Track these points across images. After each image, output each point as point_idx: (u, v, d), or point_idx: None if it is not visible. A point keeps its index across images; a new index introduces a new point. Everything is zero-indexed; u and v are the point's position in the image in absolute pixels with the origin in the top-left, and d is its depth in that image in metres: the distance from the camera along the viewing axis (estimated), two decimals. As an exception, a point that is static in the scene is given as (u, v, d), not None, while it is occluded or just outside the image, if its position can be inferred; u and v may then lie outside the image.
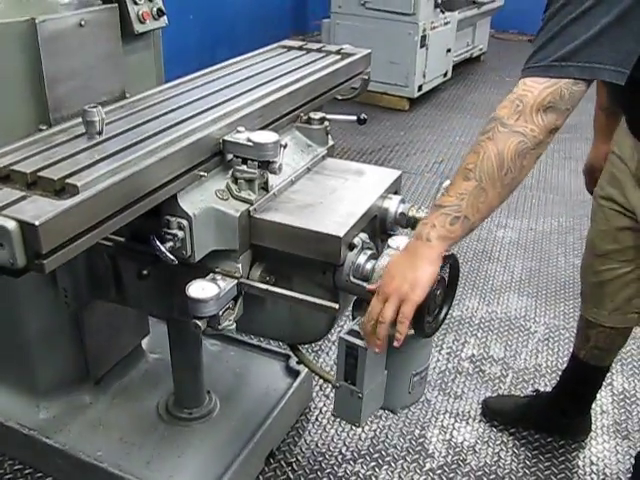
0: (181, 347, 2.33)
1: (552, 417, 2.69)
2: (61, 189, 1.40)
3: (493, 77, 7.78)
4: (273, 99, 1.92)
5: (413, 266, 1.54)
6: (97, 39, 2.04)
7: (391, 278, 1.56)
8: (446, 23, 6.77)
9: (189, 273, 1.69)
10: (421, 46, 6.33)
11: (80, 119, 1.74)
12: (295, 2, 9.24)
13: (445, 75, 7.11)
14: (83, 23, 1.98)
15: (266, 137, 1.65)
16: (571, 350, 2.55)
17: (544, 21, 1.55)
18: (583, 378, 2.57)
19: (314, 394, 2.86)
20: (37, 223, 1.22)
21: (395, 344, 1.58)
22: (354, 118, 2.13)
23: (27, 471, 2.46)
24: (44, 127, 1.94)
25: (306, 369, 2.67)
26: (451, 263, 1.68)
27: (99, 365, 2.54)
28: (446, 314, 1.75)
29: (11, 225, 1.23)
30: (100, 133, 1.62)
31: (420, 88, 6.54)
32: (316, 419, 2.76)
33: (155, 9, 2.28)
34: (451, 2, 7.02)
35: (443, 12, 6.66)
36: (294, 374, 2.69)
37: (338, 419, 2.72)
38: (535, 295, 3.70)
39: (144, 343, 2.76)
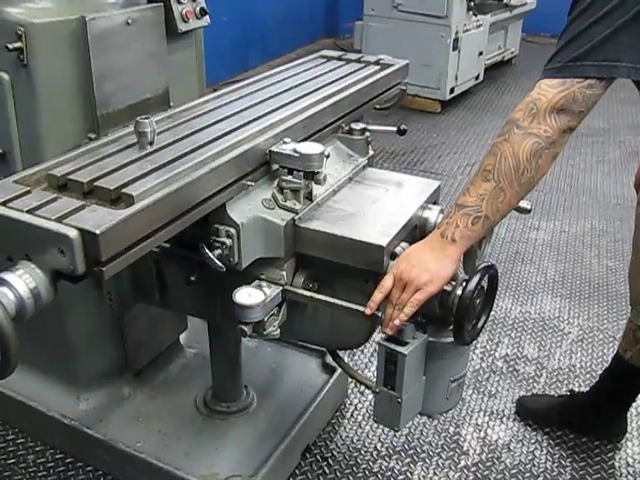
0: (220, 343, 2.37)
1: (588, 417, 2.70)
2: (117, 198, 1.46)
3: (524, 80, 7.75)
4: (316, 110, 1.96)
5: (436, 260, 1.63)
6: (143, 37, 2.09)
7: (411, 266, 1.63)
8: (478, 26, 6.77)
9: (235, 280, 1.74)
10: (453, 49, 6.34)
11: (128, 128, 1.82)
12: (327, 5, 9.28)
13: (477, 78, 7.11)
14: (130, 21, 2.03)
15: (312, 148, 1.69)
16: (605, 351, 2.56)
17: (566, 25, 1.60)
18: (626, 380, 2.57)
19: (349, 391, 2.90)
20: (98, 232, 1.28)
21: (387, 330, 1.67)
22: (394, 129, 2.18)
23: (68, 460, 2.53)
24: (93, 135, 2.01)
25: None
26: (491, 273, 1.72)
27: (139, 358, 2.60)
28: (484, 323, 1.78)
29: (73, 233, 1.29)
30: (151, 143, 1.68)
31: (452, 91, 6.56)
32: (351, 415, 2.80)
33: (198, 8, 2.33)
34: (483, 5, 7.01)
35: (475, 15, 6.66)
36: (330, 370, 2.72)
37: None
38: (569, 296, 3.71)
39: (182, 338, 2.82)
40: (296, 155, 1.68)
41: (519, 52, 8.40)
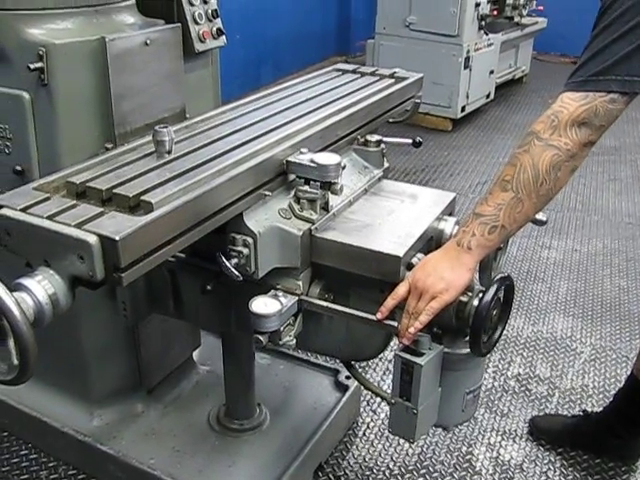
0: (234, 360, 2.38)
1: (602, 438, 2.67)
2: (135, 206, 1.47)
3: (535, 99, 7.77)
4: (333, 122, 1.97)
5: (452, 269, 1.63)
6: (161, 57, 2.12)
7: (427, 275, 1.63)
8: (489, 45, 6.80)
9: (250, 289, 1.74)
10: (465, 67, 6.36)
11: (145, 138, 1.84)
12: (338, 23, 9.33)
13: (488, 96, 7.12)
14: (148, 42, 2.05)
15: (329, 159, 1.70)
16: (618, 371, 2.54)
17: (589, 40, 1.60)
18: None
19: (362, 409, 2.89)
20: (118, 238, 1.28)
21: (404, 340, 1.66)
22: (409, 141, 2.18)
23: (81, 476, 2.52)
24: (110, 145, 2.02)
25: (354, 384, 2.70)
26: (507, 284, 1.71)
27: (152, 375, 2.60)
28: (500, 334, 1.78)
29: (92, 239, 1.29)
30: (169, 152, 1.69)
31: (463, 109, 6.57)
32: (364, 434, 2.79)
33: (215, 29, 2.36)
34: (494, 24, 7.04)
35: (487, 34, 6.68)
36: (343, 389, 2.72)
37: (385, 435, 2.75)
38: (581, 316, 3.69)
39: (195, 355, 2.82)
40: (313, 165, 1.69)
41: (530, 70, 8.41)
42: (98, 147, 2.03)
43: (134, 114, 2.06)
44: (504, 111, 7.34)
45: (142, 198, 1.45)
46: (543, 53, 9.47)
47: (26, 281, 1.35)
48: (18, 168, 2.07)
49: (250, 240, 1.66)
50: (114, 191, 1.49)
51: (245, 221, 1.65)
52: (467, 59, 6.37)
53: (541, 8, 7.84)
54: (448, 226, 1.94)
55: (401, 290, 1.66)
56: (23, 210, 1.42)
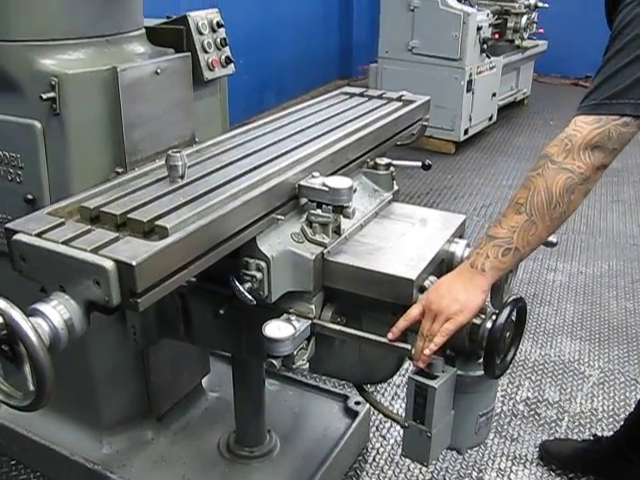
0: (244, 386, 2.37)
1: (613, 463, 2.65)
2: (150, 230, 1.47)
3: (537, 121, 7.81)
4: (343, 146, 1.98)
5: (466, 290, 1.63)
6: (171, 86, 2.14)
7: (441, 297, 1.64)
8: (491, 68, 6.84)
9: (263, 313, 1.74)
10: (467, 90, 6.40)
11: (157, 162, 1.85)
12: (340, 47, 9.40)
13: (490, 119, 7.16)
14: (159, 71, 2.07)
15: (340, 183, 1.70)
16: (628, 395, 2.53)
17: (601, 64, 1.62)
18: None
19: (371, 435, 2.88)
20: (134, 263, 1.29)
21: (419, 363, 1.66)
22: (419, 164, 2.19)
23: (91, 504, 2.50)
24: (120, 170, 2.03)
25: (364, 410, 2.69)
26: (520, 306, 1.71)
27: (162, 402, 2.59)
28: (514, 355, 1.77)
29: (109, 265, 1.29)
30: (182, 177, 1.69)
31: (466, 132, 6.61)
32: (373, 459, 2.78)
33: (224, 57, 2.38)
34: (496, 47, 7.11)
35: (489, 57, 6.73)
36: (352, 415, 2.71)
37: (395, 460, 2.73)
38: (588, 339, 3.69)
39: (204, 382, 2.81)
40: (325, 189, 1.69)
41: (531, 92, 8.46)
42: (109, 175, 2.04)
43: (145, 142, 2.07)
44: (506, 133, 7.38)
45: (157, 223, 1.46)
46: (544, 75, 9.52)
47: (41, 306, 1.35)
48: (29, 197, 2.08)
49: (263, 264, 1.66)
50: (128, 216, 1.50)
51: (258, 245, 1.65)
52: (469, 82, 6.41)
53: (542, 31, 7.91)
54: (459, 248, 1.94)
55: (414, 312, 1.67)
56: (38, 235, 1.42)
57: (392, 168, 2.13)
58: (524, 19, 7.44)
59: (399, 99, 2.52)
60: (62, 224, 1.48)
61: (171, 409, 2.64)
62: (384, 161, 2.12)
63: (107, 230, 1.47)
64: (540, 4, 7.61)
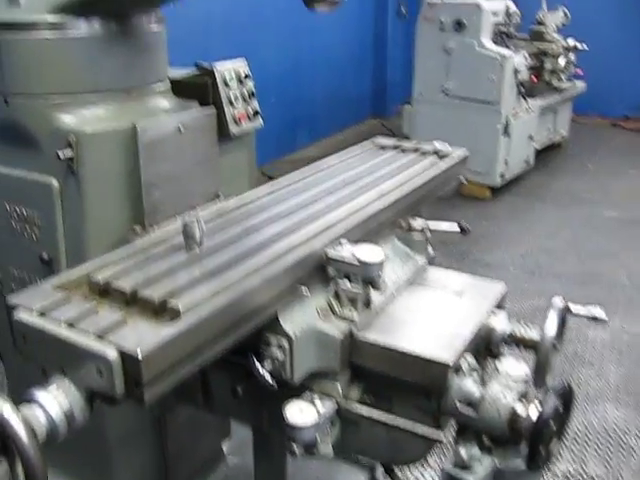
0: (266, 456, 2.23)
1: None
2: (161, 309, 1.35)
3: (574, 164, 7.64)
4: (375, 209, 1.85)
5: None
6: (194, 143, 2.04)
7: None
8: (529, 111, 6.71)
9: (284, 391, 1.60)
10: (504, 134, 6.26)
11: (176, 221, 1.74)
12: (374, 85, 9.35)
13: (527, 162, 7.01)
14: (182, 128, 1.97)
15: (371, 255, 1.57)
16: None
17: None
18: None
19: (399, 508, 2.71)
20: (140, 355, 1.16)
21: None
22: (457, 229, 2.06)
23: None
24: (138, 227, 1.93)
25: (392, 481, 2.54)
26: (567, 394, 1.56)
27: (179, 469, 2.45)
28: (558, 445, 1.62)
29: (112, 355, 1.18)
30: (200, 245, 1.57)
31: (502, 176, 6.46)
32: (402, 533, 2.61)
33: (251, 110, 2.28)
34: (533, 89, 6.98)
35: (526, 99, 6.60)
36: (379, 486, 2.55)
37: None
38: (634, 405, 3.47)
39: (225, 445, 2.67)
40: (355, 263, 1.56)
41: (569, 134, 8.29)
42: (126, 232, 1.94)
43: (165, 202, 1.97)
44: (544, 177, 7.20)
45: (168, 302, 1.33)
46: (582, 115, 9.35)
47: (40, 394, 1.24)
48: (45, 257, 2.00)
49: (286, 344, 1.53)
50: (139, 293, 1.37)
51: (281, 322, 1.52)
52: (506, 126, 6.27)
53: (580, 72, 7.77)
54: (499, 323, 1.79)
55: None
56: (41, 314, 1.31)
57: (427, 232, 1.99)
58: (562, 60, 7.32)
59: (435, 152, 2.40)
60: (68, 300, 1.37)
61: (189, 476, 2.50)
62: (419, 224, 1.99)
63: (115, 308, 1.35)
64: (579, 45, 7.48)
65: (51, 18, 1.89)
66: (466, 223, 2.06)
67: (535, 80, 7.05)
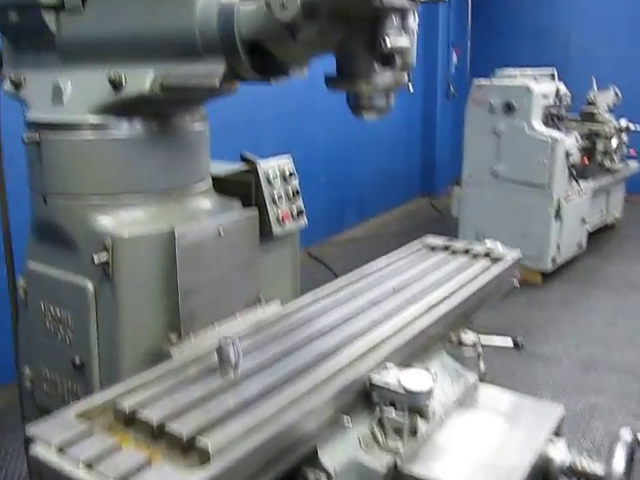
0: None
1: None
2: (189, 446, 1.24)
3: (629, 246, 7.41)
4: (423, 325, 1.73)
5: None
6: (235, 247, 1.96)
7: None
8: (581, 193, 6.55)
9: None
10: (555, 218, 6.10)
11: (213, 333, 1.66)
12: (423, 164, 9.30)
13: (579, 246, 6.81)
14: (222, 232, 1.89)
15: (419, 382, 1.45)
16: None
17: None
18: None
19: None
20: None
21: None
22: (510, 345, 1.93)
23: None
24: (173, 336, 1.84)
25: None
26: None
27: None
28: None
29: (133, 507, 1.07)
30: (235, 369, 1.47)
31: (554, 261, 6.26)
32: None
33: (295, 209, 2.20)
34: (584, 170, 6.83)
35: (578, 182, 6.45)
36: None
37: None
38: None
39: None
40: (401, 392, 1.44)
41: (622, 215, 8.07)
42: (161, 339, 1.86)
43: (203, 309, 1.88)
44: (597, 261, 6.97)
45: (198, 441, 1.22)
46: (635, 195, 9.11)
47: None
48: (77, 361, 1.91)
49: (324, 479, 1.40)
50: (166, 427, 1.27)
51: (320, 457, 1.40)
52: (558, 209, 6.11)
53: (633, 152, 7.62)
54: (558, 452, 1.64)
55: None
56: (60, 450, 1.21)
57: (479, 348, 1.87)
58: (614, 142, 7.18)
59: (487, 255, 2.28)
60: (90, 432, 1.27)
61: None
62: (470, 339, 1.86)
63: (140, 442, 1.25)
64: (631, 126, 7.35)
65: (93, 119, 1.85)
66: (521, 338, 1.92)
67: (587, 162, 6.91)
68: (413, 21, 1.51)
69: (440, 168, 9.31)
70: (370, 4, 1.36)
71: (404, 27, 1.48)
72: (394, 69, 1.49)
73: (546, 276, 6.27)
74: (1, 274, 2.56)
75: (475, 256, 2.29)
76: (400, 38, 1.46)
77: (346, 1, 1.39)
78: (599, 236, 7.56)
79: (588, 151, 7.02)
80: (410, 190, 9.09)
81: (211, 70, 1.66)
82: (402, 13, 1.47)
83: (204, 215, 1.96)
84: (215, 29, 1.62)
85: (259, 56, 1.63)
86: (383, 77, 1.49)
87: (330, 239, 7.09)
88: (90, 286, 1.86)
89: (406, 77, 1.55)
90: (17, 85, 2.05)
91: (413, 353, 1.70)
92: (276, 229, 2.13)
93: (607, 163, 7.30)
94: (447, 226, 6.82)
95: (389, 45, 1.43)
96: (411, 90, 1.58)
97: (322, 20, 1.44)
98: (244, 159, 2.43)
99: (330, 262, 6.38)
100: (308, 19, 1.43)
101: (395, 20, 1.46)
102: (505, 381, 4.04)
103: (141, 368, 1.82)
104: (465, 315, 1.96)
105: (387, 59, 1.47)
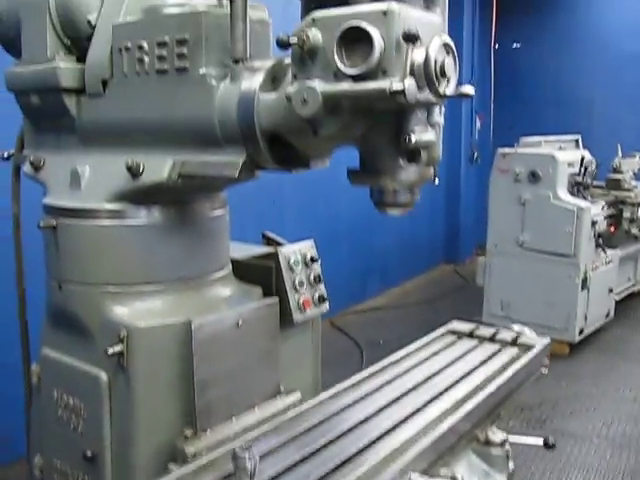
0: None
1: None
2: None
3: (659, 314, 7.27)
4: (448, 426, 1.65)
5: None
6: (254, 337, 1.91)
7: None
8: (608, 262, 6.45)
9: None
10: (582, 288, 5.99)
11: (233, 421, 1.59)
12: (447, 231, 9.24)
13: (607, 315, 6.68)
14: (240, 323, 1.84)
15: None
16: None
17: None
18: None
19: None
20: None
21: None
22: (540, 443, 1.84)
23: None
24: (189, 432, 1.77)
25: None
26: None
27: None
28: None
29: None
30: (252, 478, 1.39)
31: (581, 332, 6.12)
32: None
33: (317, 295, 2.14)
34: (611, 239, 6.74)
35: (604, 251, 6.36)
36: None
37: None
38: None
39: None
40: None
41: (651, 280, 7.94)
42: (176, 433, 1.79)
43: (220, 402, 1.82)
44: (626, 331, 6.81)
45: None
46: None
47: None
48: (89, 454, 1.85)
49: None
50: None
51: None
52: (585, 279, 6.01)
53: (659, 219, 7.52)
54: None
55: None
56: None
57: (507, 446, 1.78)
58: (641, 209, 7.10)
59: (514, 342, 2.21)
60: None
61: None
62: (498, 437, 1.78)
63: None
64: (658, 193, 7.28)
65: (110, 206, 1.82)
66: (553, 438, 1.83)
67: (613, 230, 6.82)
68: (439, 114, 1.47)
69: (464, 234, 9.24)
70: (395, 99, 1.32)
71: (429, 121, 1.44)
72: (419, 164, 1.45)
73: (573, 347, 6.13)
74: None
75: (502, 343, 2.21)
76: (426, 133, 1.42)
77: (370, 97, 1.35)
78: (627, 304, 7.42)
79: (614, 219, 6.94)
80: (434, 257, 9.01)
81: (230, 160, 1.63)
82: (427, 107, 1.43)
83: (223, 304, 1.91)
84: (235, 119, 1.60)
85: (279, 146, 1.59)
86: (408, 173, 1.44)
87: (352, 308, 7.01)
88: (104, 376, 1.82)
89: (432, 171, 1.50)
90: (37, 167, 2.04)
91: (439, 455, 1.62)
92: (297, 316, 2.07)
93: (634, 230, 7.20)
94: (472, 294, 6.73)
95: (414, 140, 1.38)
96: (436, 183, 1.54)
97: (345, 115, 1.41)
98: (265, 237, 2.39)
99: (353, 331, 6.29)
100: (330, 114, 1.39)
101: (420, 114, 1.42)
102: (532, 461, 3.93)
103: (154, 464, 1.77)
104: (492, 410, 1.87)
105: (412, 154, 1.42)
